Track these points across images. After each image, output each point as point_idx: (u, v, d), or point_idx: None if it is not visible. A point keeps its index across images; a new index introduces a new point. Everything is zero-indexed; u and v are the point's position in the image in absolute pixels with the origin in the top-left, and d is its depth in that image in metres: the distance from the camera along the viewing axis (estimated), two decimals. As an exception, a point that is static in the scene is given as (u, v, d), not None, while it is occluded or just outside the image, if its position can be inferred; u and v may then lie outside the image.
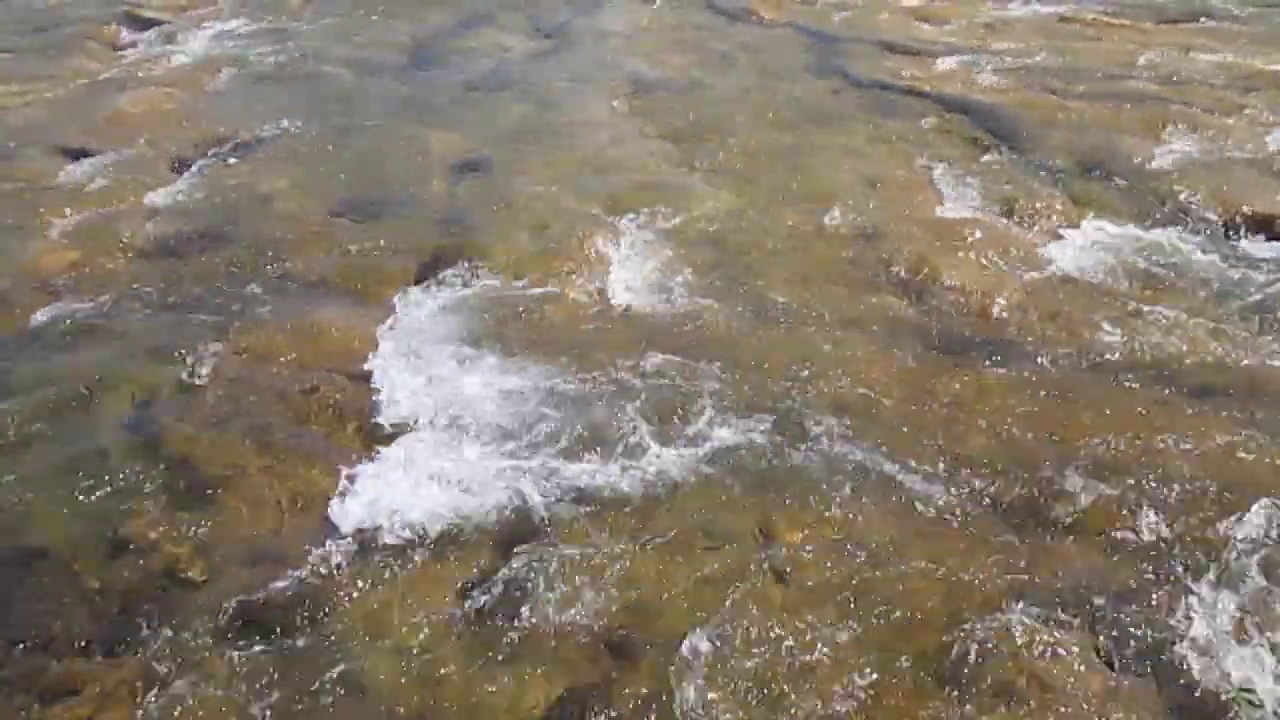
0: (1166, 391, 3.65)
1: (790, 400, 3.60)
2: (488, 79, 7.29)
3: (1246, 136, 5.77)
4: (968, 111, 6.19)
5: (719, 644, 2.68)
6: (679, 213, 4.96)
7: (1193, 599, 2.79)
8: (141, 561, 2.95)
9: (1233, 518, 3.03)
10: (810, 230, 4.82)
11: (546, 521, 3.07)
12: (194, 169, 5.76)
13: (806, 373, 3.73)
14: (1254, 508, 3.04)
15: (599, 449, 3.34)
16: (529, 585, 2.85)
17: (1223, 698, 2.54)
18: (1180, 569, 2.89)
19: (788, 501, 3.14)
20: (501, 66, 7.60)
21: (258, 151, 5.97)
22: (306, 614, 2.78)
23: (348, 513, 3.11)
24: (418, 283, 4.42)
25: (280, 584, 2.85)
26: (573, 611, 2.77)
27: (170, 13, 9.24)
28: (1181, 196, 5.05)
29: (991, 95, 6.47)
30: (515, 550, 2.96)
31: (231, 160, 5.85)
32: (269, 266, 4.56)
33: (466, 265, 4.48)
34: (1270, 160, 5.46)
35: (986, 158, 5.58)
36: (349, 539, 3.02)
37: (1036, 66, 7.03)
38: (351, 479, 3.24)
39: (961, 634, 2.70)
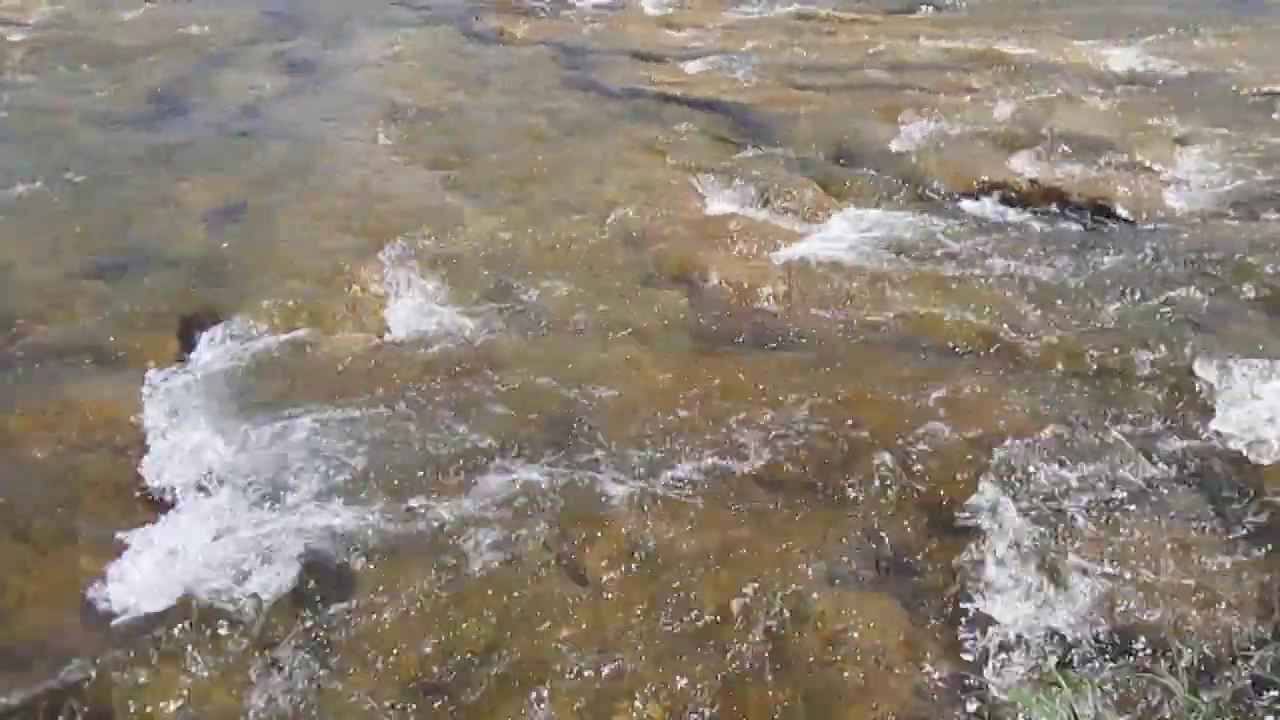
0: (926, 357, 3.89)
1: (574, 411, 3.62)
2: (240, 121, 7.01)
3: (974, 113, 6.23)
4: (720, 112, 6.43)
5: (529, 666, 2.67)
6: (448, 238, 4.92)
7: (972, 545, 2.97)
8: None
9: (998, 466, 3.25)
10: (579, 241, 4.88)
11: (338, 574, 2.98)
12: (-87, 246, 5.30)
13: (588, 381, 3.77)
14: (1014, 454, 3.27)
15: (386, 492, 3.26)
16: (328, 647, 2.76)
17: (1012, 635, 2.71)
18: (958, 519, 3.08)
19: (582, 514, 3.16)
20: (254, 107, 7.33)
21: (-13, 220, 5.54)
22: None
23: (119, 596, 2.90)
24: (180, 341, 4.20)
25: (43, 687, 2.64)
26: (378, 668, 2.71)
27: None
28: (922, 174, 5.40)
29: (740, 95, 6.74)
30: (308, 610, 2.86)
31: (-44, 233, 5.41)
32: (12, 343, 4.23)
33: (231, 317, 4.28)
34: (996, 133, 5.91)
35: (741, 155, 5.80)
36: (122, 626, 2.83)
37: (779, 64, 7.37)
38: (122, 559, 3.04)
39: (762, 613, 2.79)
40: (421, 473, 3.35)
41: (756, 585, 2.87)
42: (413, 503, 3.23)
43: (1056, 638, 2.68)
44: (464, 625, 2.80)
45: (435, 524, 3.14)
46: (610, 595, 2.88)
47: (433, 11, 9.74)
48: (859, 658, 2.65)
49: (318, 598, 2.91)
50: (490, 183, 5.62)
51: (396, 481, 3.31)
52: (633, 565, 2.97)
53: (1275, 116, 5.94)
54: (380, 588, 2.92)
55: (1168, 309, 4.09)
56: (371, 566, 3.00)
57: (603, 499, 3.21)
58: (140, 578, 2.97)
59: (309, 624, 2.82)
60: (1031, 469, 3.23)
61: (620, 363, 3.89)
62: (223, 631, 2.81)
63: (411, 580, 2.94)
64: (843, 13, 8.78)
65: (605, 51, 8.02)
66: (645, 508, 3.17)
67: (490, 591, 2.90)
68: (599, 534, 3.08)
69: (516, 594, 2.89)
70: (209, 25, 9.40)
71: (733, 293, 4.37)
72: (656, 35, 8.53)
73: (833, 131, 6.00)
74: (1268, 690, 2.49)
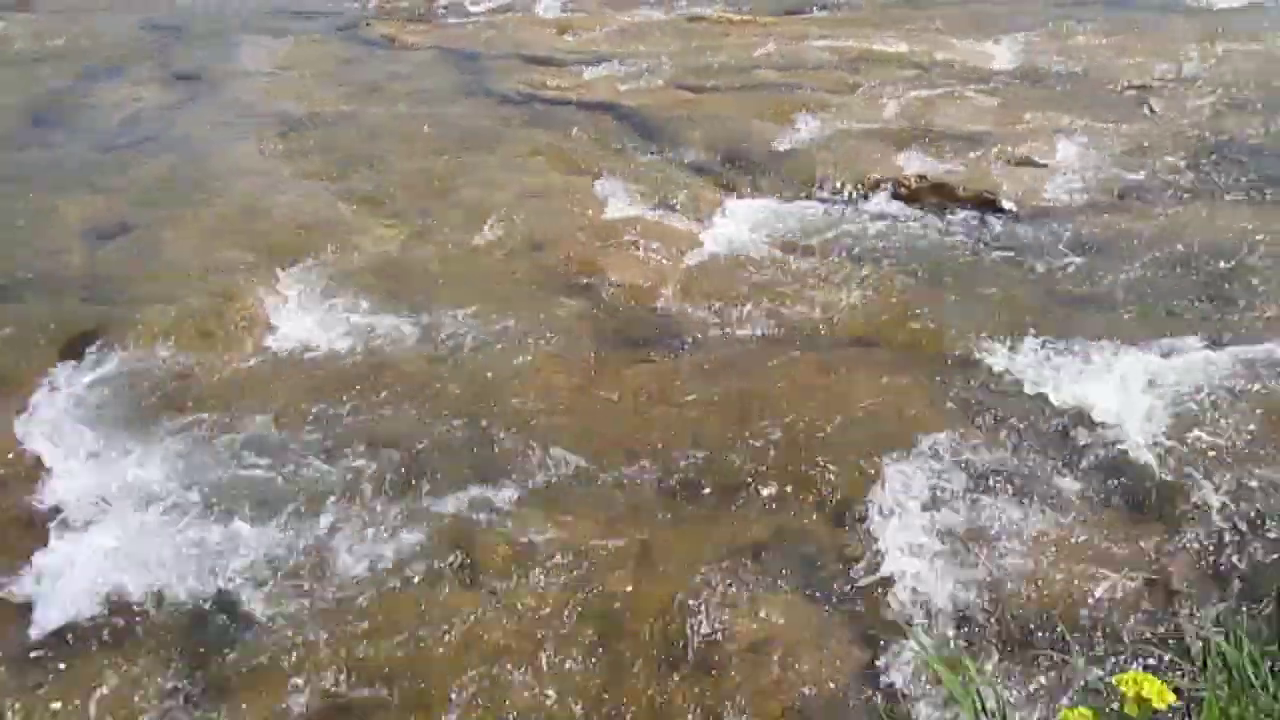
0: (824, 353, 3.96)
1: (476, 421, 3.61)
2: (122, 135, 6.79)
3: (863, 111, 6.36)
4: (616, 115, 6.44)
5: (428, 680, 2.65)
6: (342, 250, 4.84)
7: (874, 538, 3.04)
8: None
9: (897, 458, 3.32)
10: (479, 250, 4.85)
11: (229, 595, 2.91)
12: None
13: (490, 390, 3.76)
14: (911, 446, 3.35)
15: (279, 509, 3.20)
16: (221, 670, 2.70)
17: (917, 622, 2.76)
18: (860, 512, 3.13)
19: (489, 525, 3.15)
20: (137, 120, 7.10)
21: None
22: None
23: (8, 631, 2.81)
24: (63, 363, 4.05)
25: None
26: (273, 690, 2.65)
27: None
28: (815, 171, 5.49)
29: (635, 98, 6.76)
30: (198, 633, 2.79)
31: None
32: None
33: (117, 337, 4.16)
34: (885, 130, 6.04)
35: (638, 158, 5.82)
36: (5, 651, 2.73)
37: (673, 66, 7.41)
38: (9, 592, 2.93)
39: (668, 615, 2.81)
40: (316, 489, 3.30)
41: (662, 587, 2.89)
42: (308, 519, 3.19)
43: (958, 622, 2.76)
44: (362, 643, 2.77)
45: (331, 540, 3.10)
46: (514, 604, 2.87)
47: (320, 20, 9.57)
48: (766, 655, 2.68)
49: (208, 620, 2.86)
50: (385, 193, 5.55)
51: (291, 498, 3.26)
52: (537, 573, 2.96)
53: (1145, 109, 6.18)
54: (274, 607, 2.87)
55: (1050, 297, 4.24)
56: (264, 586, 2.95)
57: (505, 508, 3.20)
58: (19, 605, 2.87)
59: (200, 648, 2.76)
60: (929, 460, 3.31)
61: (522, 370, 3.88)
62: (109, 656, 2.73)
63: (306, 598, 2.89)
64: (733, 14, 8.88)
65: (499, 56, 7.98)
66: (549, 515, 3.17)
67: (388, 607, 2.88)
68: (501, 544, 3.07)
69: (415, 609, 2.87)
70: (86, 38, 9.08)
71: (634, 296, 4.39)
72: (550, 39, 8.51)
73: (727, 132, 6.06)
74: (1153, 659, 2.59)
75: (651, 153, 5.92)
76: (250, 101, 7.36)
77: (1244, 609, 2.74)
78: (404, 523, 3.16)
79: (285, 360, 4.06)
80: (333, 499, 3.25)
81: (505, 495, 3.25)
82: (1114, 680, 1.42)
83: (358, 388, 3.81)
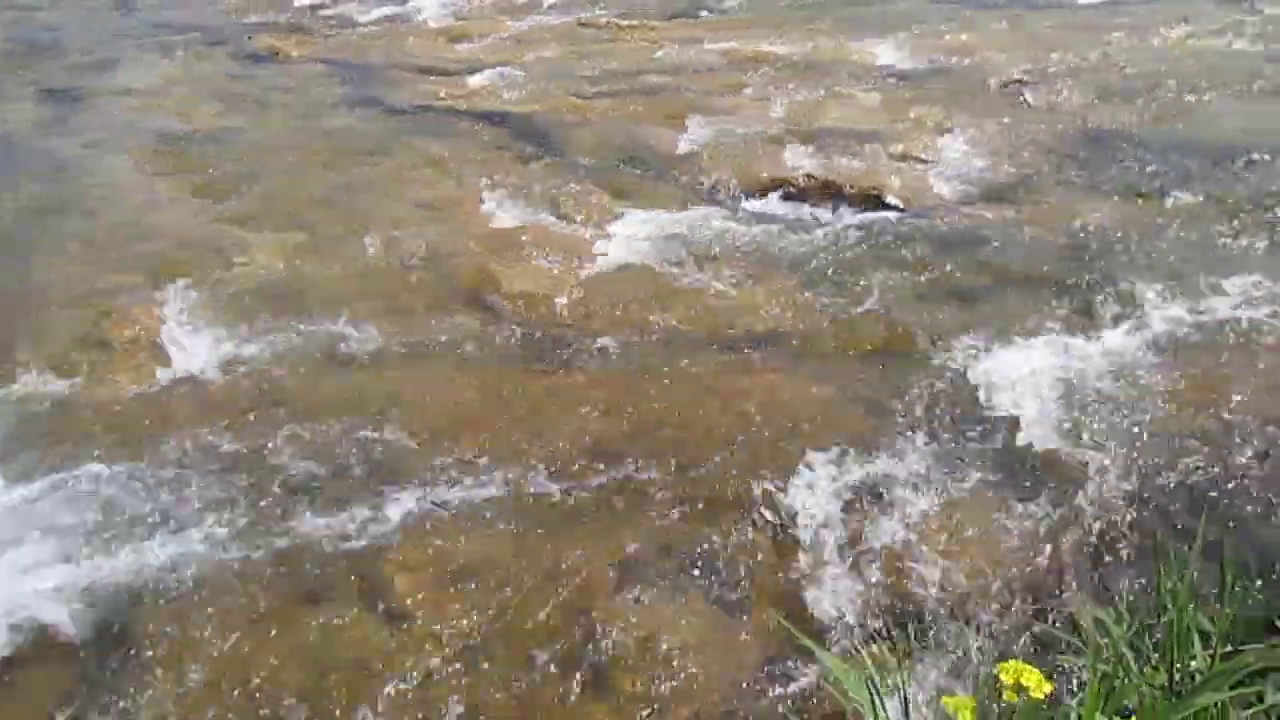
0: (722, 354, 3.99)
1: (375, 439, 3.55)
2: (-10, 158, 6.54)
3: (753, 113, 6.45)
4: (507, 124, 6.42)
5: (343, 703, 2.60)
6: (230, 270, 4.73)
7: (778, 536, 3.07)
8: None
9: (797, 455, 3.37)
10: (371, 264, 4.78)
11: (129, 627, 2.82)
12: None
13: (387, 407, 3.70)
14: (812, 442, 3.39)
15: (177, 538, 3.11)
16: (121, 704, 2.61)
17: (822, 620, 2.80)
18: (763, 512, 3.16)
19: (390, 542, 3.10)
20: (7, 141, 6.84)
21: None
22: None
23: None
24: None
25: None
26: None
27: None
28: (707, 174, 5.55)
29: (527, 105, 6.75)
30: (97, 666, 2.70)
31: None
32: None
33: (-7, 368, 4.00)
34: (775, 131, 6.13)
35: (531, 166, 5.80)
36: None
37: (564, 72, 7.42)
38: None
39: (579, 628, 2.80)
40: (210, 512, 3.22)
41: (567, 599, 2.88)
42: (209, 547, 3.11)
43: (861, 618, 2.80)
44: (271, 669, 2.70)
45: (226, 563, 3.03)
46: (415, 623, 2.83)
47: (201, 35, 9.34)
48: (671, 664, 2.69)
49: (109, 652, 2.76)
50: (273, 209, 5.43)
51: (188, 527, 3.17)
52: (439, 590, 2.93)
53: (1021, 103, 6.39)
54: (178, 638, 2.79)
55: (940, 290, 4.34)
56: (167, 617, 2.86)
57: (407, 525, 3.16)
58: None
59: (81, 681, 2.67)
60: (830, 457, 3.36)
61: (420, 385, 3.83)
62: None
63: (213, 628, 2.82)
64: (623, 20, 8.93)
65: (387, 67, 7.89)
66: (451, 530, 3.13)
67: (297, 631, 2.82)
68: (402, 561, 3.03)
69: (313, 631, 2.81)
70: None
71: (531, 305, 4.37)
72: (440, 48, 8.44)
73: (619, 137, 6.09)
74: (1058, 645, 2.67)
75: (545, 160, 5.91)
76: (129, 119, 7.14)
77: (1126, 584, 2.85)
78: (300, 543, 3.09)
79: (174, 384, 3.94)
80: (227, 521, 3.17)
81: (406, 512, 3.21)
82: (995, 670, 1.47)
83: (250, 409, 3.72)
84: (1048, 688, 1.41)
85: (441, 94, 7.13)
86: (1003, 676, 1.44)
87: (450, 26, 9.03)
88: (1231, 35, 7.58)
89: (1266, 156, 5.35)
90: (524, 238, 4.87)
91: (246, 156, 6.23)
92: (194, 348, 4.16)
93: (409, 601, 2.89)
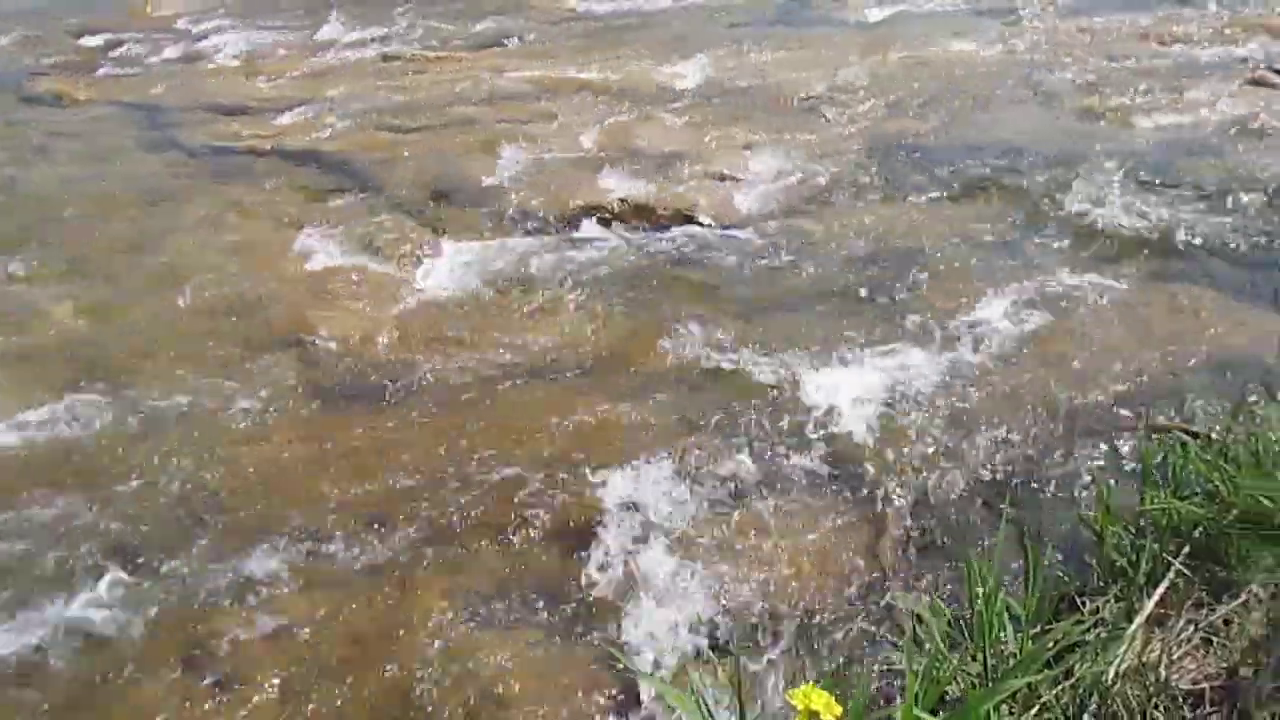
0: (546, 386, 4.01)
1: (193, 499, 3.42)
2: None
3: (563, 140, 6.51)
4: (315, 162, 6.29)
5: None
6: (19, 331, 4.47)
7: (610, 563, 3.10)
8: None
9: (628, 476, 3.42)
10: (177, 315, 4.59)
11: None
12: None
13: (204, 464, 3.57)
14: (641, 464, 3.46)
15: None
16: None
17: (654, 640, 2.84)
18: (594, 540, 3.19)
19: (211, 606, 2.99)
20: None
21: None
22: None
23: None
24: None
25: None
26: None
27: None
28: (522, 204, 5.57)
29: (335, 142, 6.62)
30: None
31: None
32: None
33: None
34: (586, 157, 6.21)
35: (341, 204, 5.69)
36: None
37: (372, 107, 7.31)
38: None
39: (412, 674, 2.76)
40: (16, 587, 3.03)
41: (399, 647, 2.84)
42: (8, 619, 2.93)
43: (692, 633, 2.87)
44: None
45: (36, 639, 2.86)
46: (243, 687, 2.74)
47: (-24, 79, 8.78)
48: (508, 700, 2.68)
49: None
50: (65, 263, 5.15)
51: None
52: (264, 651, 2.84)
53: (820, 118, 6.68)
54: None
55: (752, 303, 4.48)
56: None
57: (228, 587, 3.06)
58: None
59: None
60: (656, 476, 3.43)
61: (236, 439, 3.71)
62: None
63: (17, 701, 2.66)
64: (429, 52, 8.86)
65: (185, 108, 7.59)
66: (275, 587, 3.05)
67: (107, 706, 2.68)
68: (225, 626, 2.92)
69: (138, 704, 2.68)
70: None
71: (349, 348, 4.28)
72: (240, 87, 8.18)
73: (431, 171, 6.04)
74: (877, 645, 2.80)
75: (358, 198, 5.81)
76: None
77: (943, 577, 3.01)
78: (118, 613, 2.96)
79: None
80: (35, 595, 3.00)
81: (227, 573, 3.10)
82: (786, 695, 1.48)
83: (49, 478, 3.52)
84: (837, 710, 1.41)
85: (245, 134, 6.91)
86: (794, 702, 1.43)
87: (250, 65, 8.76)
88: (1003, 46, 8.13)
89: (1043, 156, 5.77)
90: (339, 278, 4.78)
91: (31, 207, 5.89)
92: (-13, 419, 3.91)
93: (231, 664, 2.79)
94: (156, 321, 4.57)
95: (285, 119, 7.19)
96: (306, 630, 2.90)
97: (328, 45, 9.43)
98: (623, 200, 5.48)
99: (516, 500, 3.34)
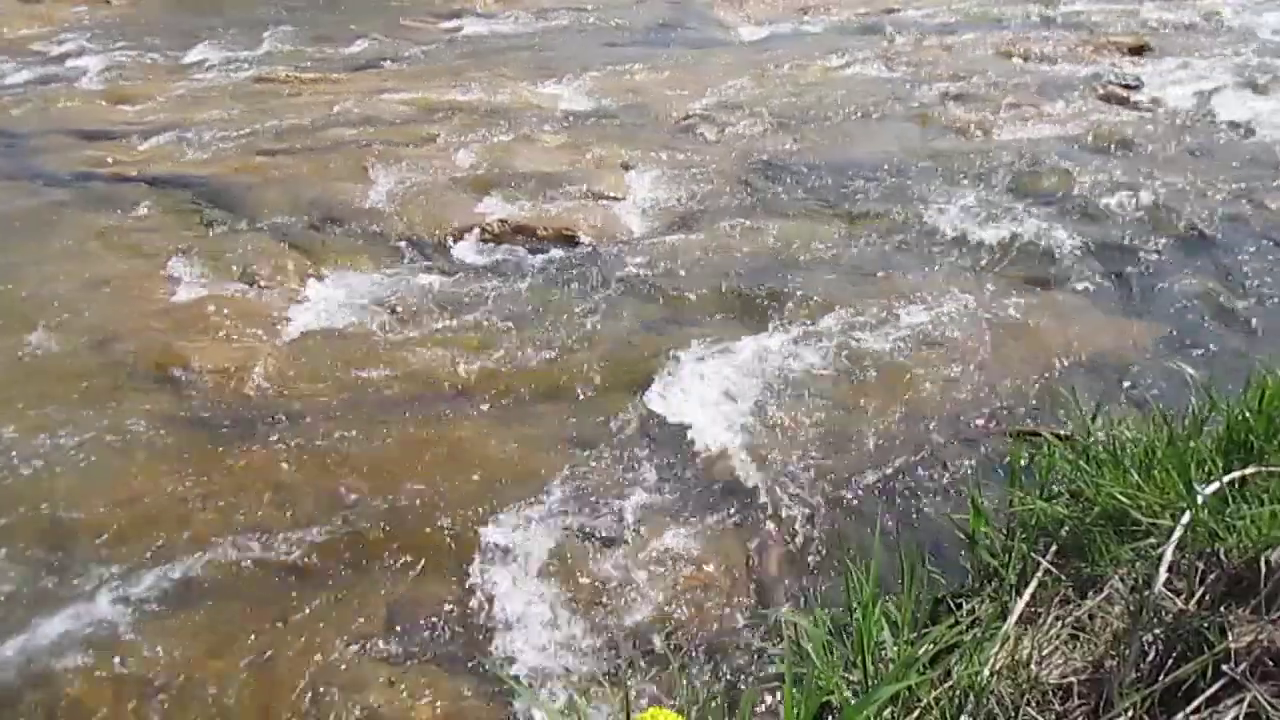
0: (429, 410, 3.95)
1: (60, 542, 3.26)
2: None
3: (442, 162, 6.44)
4: (184, 188, 6.08)
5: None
6: None
7: (494, 593, 3.07)
8: None
9: (519, 502, 3.39)
10: (36, 353, 4.36)
11: None
12: None
13: (71, 506, 3.41)
14: (532, 489, 3.44)
15: None
16: None
17: (546, 668, 2.82)
18: (476, 571, 3.15)
19: (77, 659, 2.85)
20: None
21: None
22: None
23: None
24: None
25: None
26: None
27: None
28: (400, 227, 5.50)
29: (205, 167, 6.42)
30: None
31: None
32: None
33: None
34: (465, 178, 6.16)
35: (213, 231, 5.52)
36: None
37: (244, 130, 7.12)
38: None
39: (303, 706, 2.70)
40: None
41: (289, 688, 2.76)
42: None
43: (585, 659, 2.85)
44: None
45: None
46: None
47: None
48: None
49: None
50: (-92, 303, 4.88)
51: None
52: (143, 703, 2.73)
53: (697, 137, 6.77)
54: None
55: (636, 322, 4.51)
56: None
57: (101, 636, 2.92)
58: None
59: None
60: (548, 501, 3.42)
61: (102, 481, 3.54)
62: None
63: None
64: (303, 74, 8.69)
65: (41, 134, 7.26)
66: (153, 633, 2.93)
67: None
68: (97, 678, 2.80)
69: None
70: None
71: (224, 382, 4.14)
72: (103, 112, 7.87)
73: (307, 195, 5.91)
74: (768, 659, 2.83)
75: (230, 224, 5.64)
76: None
77: (825, 586, 3.06)
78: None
79: None
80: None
81: (99, 621, 2.97)
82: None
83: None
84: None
85: (109, 160, 6.65)
86: (642, 726, 1.41)
87: (113, 89, 8.43)
88: (874, 63, 8.37)
89: (915, 169, 5.95)
90: (211, 309, 4.63)
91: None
92: None
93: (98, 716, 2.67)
94: (10, 361, 4.34)
95: (153, 143, 6.94)
96: (177, 676, 2.79)
97: (197, 67, 9.18)
98: (503, 221, 5.45)
99: (403, 529, 3.28)
